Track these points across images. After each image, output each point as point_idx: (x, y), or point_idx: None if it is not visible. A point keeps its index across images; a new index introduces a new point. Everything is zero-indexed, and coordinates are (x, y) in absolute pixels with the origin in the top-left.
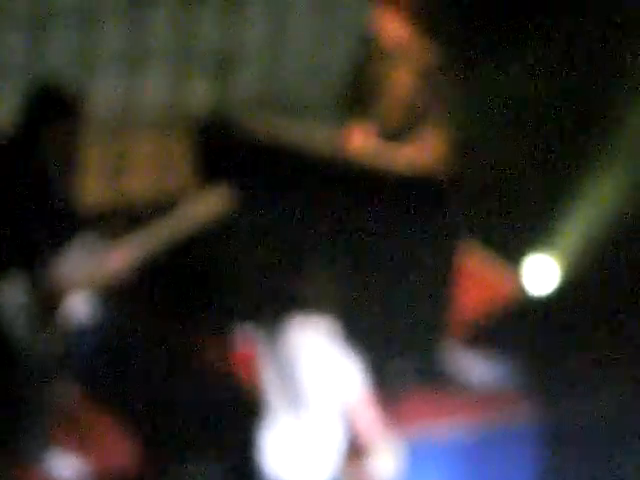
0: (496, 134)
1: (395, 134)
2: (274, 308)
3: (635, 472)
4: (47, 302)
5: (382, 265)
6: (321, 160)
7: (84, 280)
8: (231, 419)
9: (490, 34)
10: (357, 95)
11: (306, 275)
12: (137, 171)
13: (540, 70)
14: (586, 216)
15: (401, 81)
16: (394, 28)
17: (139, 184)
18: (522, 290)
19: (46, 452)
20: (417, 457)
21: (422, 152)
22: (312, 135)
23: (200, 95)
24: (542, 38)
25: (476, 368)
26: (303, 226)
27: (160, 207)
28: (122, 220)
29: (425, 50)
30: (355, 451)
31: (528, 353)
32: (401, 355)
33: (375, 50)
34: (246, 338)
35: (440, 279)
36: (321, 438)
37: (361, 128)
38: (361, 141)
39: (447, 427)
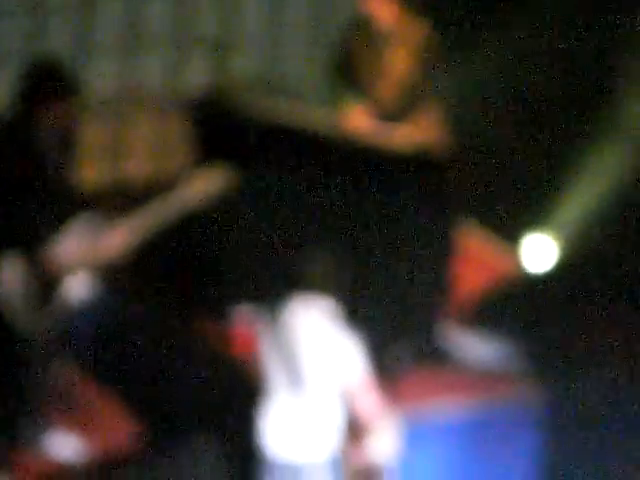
0: (493, 113)
1: (392, 114)
2: (274, 288)
3: (636, 451)
4: (45, 282)
5: (381, 245)
6: (319, 140)
7: (82, 260)
8: (231, 398)
9: (485, 13)
10: (352, 76)
11: (306, 255)
12: (135, 152)
13: (537, 48)
14: (584, 195)
15: (395, 61)
16: (386, 9)
17: (137, 165)
18: (521, 270)
19: (45, 433)
20: (415, 437)
21: (419, 132)
22: (310, 116)
23: (198, 77)
24: (539, 16)
25: (475, 348)
26: (302, 206)
27: (158, 188)
28: (120, 201)
29: (418, 30)
30: (355, 431)
31: (526, 333)
32: (400, 335)
33: (368, 31)
34: (246, 317)
35: (439, 259)
36: (321, 417)
37: (359, 109)
38: (359, 121)
39: (445, 407)
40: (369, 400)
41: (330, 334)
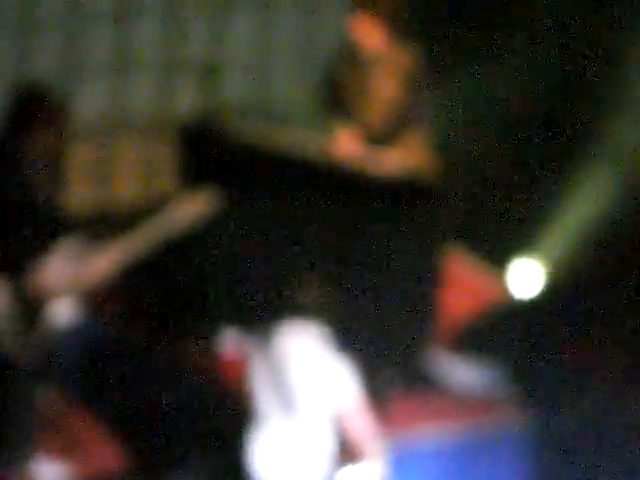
0: (480, 138)
1: (380, 138)
2: (264, 313)
3: (621, 474)
4: (30, 306)
5: (369, 269)
6: (308, 164)
7: (68, 284)
8: (219, 424)
9: (471, 36)
10: (340, 100)
11: (295, 281)
12: (122, 176)
13: (522, 73)
14: (570, 220)
15: (383, 86)
16: (374, 33)
17: (124, 189)
18: (507, 295)
19: (30, 458)
20: (404, 462)
21: (407, 155)
22: (299, 140)
23: (186, 100)
24: (522, 40)
25: (462, 374)
26: (291, 231)
27: (145, 212)
28: (107, 224)
29: (405, 54)
30: (345, 454)
31: (513, 357)
32: (388, 361)
33: (356, 55)
34: (235, 343)
35: (426, 283)
36: (312, 443)
37: (347, 133)
38: (347, 145)
39: (434, 432)
40: (360, 424)
41: (320, 359)
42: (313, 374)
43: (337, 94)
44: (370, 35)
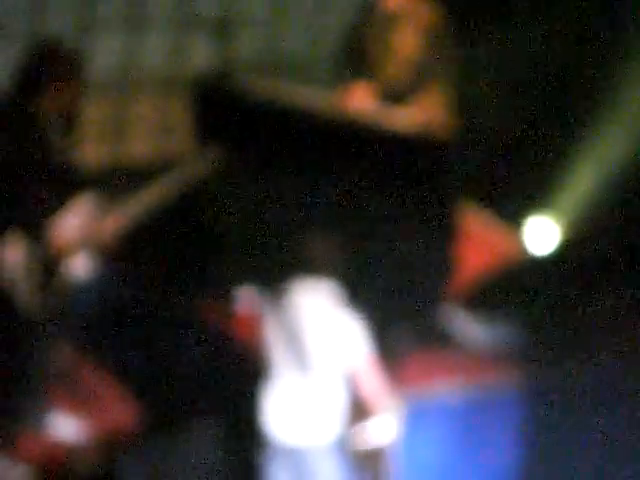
0: (497, 96)
1: (398, 94)
2: (277, 270)
3: (620, 438)
4: (47, 262)
5: (382, 227)
6: (321, 120)
7: (84, 240)
8: (233, 380)
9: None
10: (359, 56)
11: (308, 237)
12: (137, 132)
13: (542, 34)
14: (585, 178)
15: (404, 41)
16: None
17: (139, 145)
18: (522, 252)
19: (46, 414)
20: (414, 416)
21: (424, 113)
22: (312, 96)
23: (200, 57)
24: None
25: (475, 331)
26: (304, 187)
27: (160, 168)
28: (122, 181)
29: (427, 10)
30: (358, 412)
31: (526, 316)
32: (402, 317)
33: (377, 10)
34: (249, 299)
35: (440, 241)
36: (325, 400)
37: (363, 88)
38: (361, 102)
39: (444, 388)
40: (373, 382)
41: (333, 316)
42: (326, 331)
43: (357, 49)
44: None
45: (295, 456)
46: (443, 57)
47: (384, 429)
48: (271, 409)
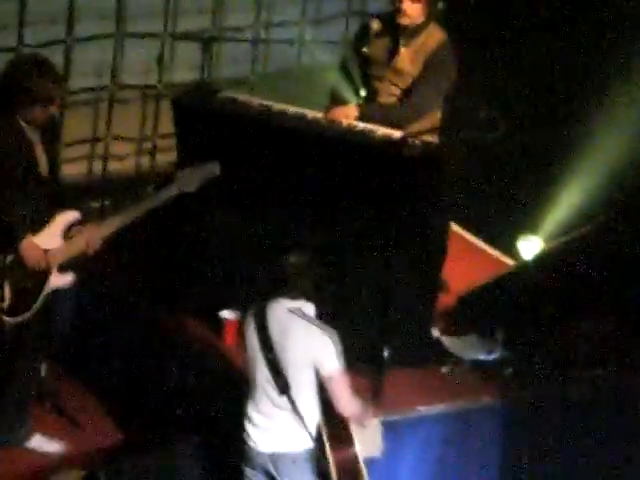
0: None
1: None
2: (255, 287)
3: (605, 454)
4: (27, 274)
5: (370, 244)
6: (304, 136)
7: (65, 253)
8: (215, 394)
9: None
10: (357, 72)
11: (287, 254)
12: (118, 146)
13: (528, 61)
14: (570, 195)
15: (403, 62)
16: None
17: (121, 159)
18: (509, 269)
19: (27, 431)
20: (396, 434)
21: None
22: (296, 112)
23: (185, 69)
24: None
25: (461, 349)
26: (287, 202)
27: (142, 180)
28: (103, 192)
29: (434, 36)
30: (336, 426)
31: (511, 333)
32: (388, 335)
33: (383, 28)
34: (232, 316)
35: (427, 258)
36: (298, 412)
37: (345, 108)
38: (345, 119)
39: (430, 406)
40: (345, 397)
41: (306, 333)
42: (298, 347)
43: (356, 65)
44: (415, 5)
45: (268, 464)
46: (438, 84)
47: (365, 443)
48: (248, 420)
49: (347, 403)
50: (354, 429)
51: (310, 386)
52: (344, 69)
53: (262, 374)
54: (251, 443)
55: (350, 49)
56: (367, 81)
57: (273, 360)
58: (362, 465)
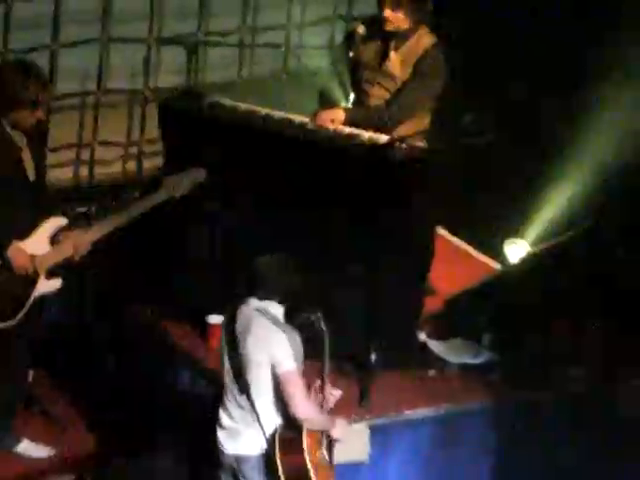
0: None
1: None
2: (232, 290)
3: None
4: (14, 279)
5: (357, 248)
6: (289, 140)
7: (53, 258)
8: (193, 399)
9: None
10: (346, 75)
11: (260, 257)
12: (106, 150)
13: (515, 66)
14: (555, 200)
15: (392, 66)
16: (400, 12)
17: (108, 163)
18: (495, 273)
19: (14, 437)
20: (384, 436)
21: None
22: (282, 117)
23: (172, 70)
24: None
25: (448, 352)
26: (274, 206)
27: (129, 183)
28: (90, 198)
29: (423, 41)
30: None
31: (497, 337)
32: (376, 339)
33: (372, 32)
34: (216, 319)
35: (415, 263)
36: (256, 415)
37: (331, 111)
38: (331, 123)
39: (417, 409)
40: (298, 398)
41: (267, 330)
42: (258, 344)
43: (345, 70)
44: (396, 14)
45: (234, 466)
46: (426, 89)
47: (350, 447)
48: (218, 422)
49: (298, 404)
50: (342, 434)
51: (268, 386)
52: (334, 73)
53: (229, 374)
54: (219, 445)
55: (338, 54)
56: (357, 86)
57: (236, 358)
58: (312, 474)
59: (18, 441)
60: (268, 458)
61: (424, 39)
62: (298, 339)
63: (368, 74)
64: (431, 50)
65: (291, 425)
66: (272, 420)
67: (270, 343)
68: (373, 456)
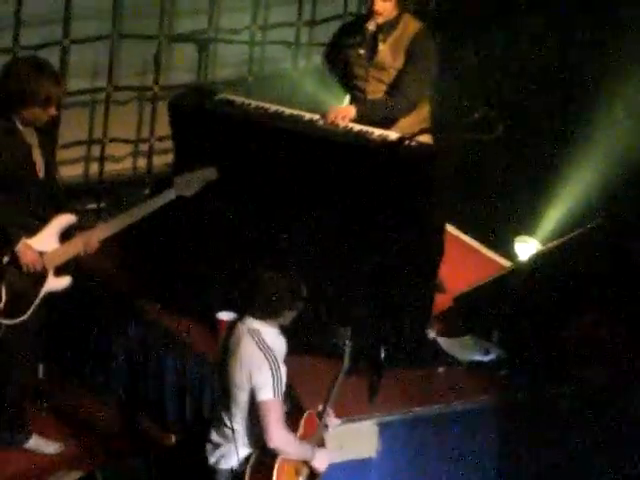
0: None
1: (377, 113)
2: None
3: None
4: (24, 276)
5: (366, 246)
6: (299, 138)
7: (61, 255)
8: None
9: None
10: (342, 69)
11: (257, 273)
12: (115, 148)
13: (526, 61)
14: (564, 199)
15: (386, 56)
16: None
17: (117, 160)
18: (505, 271)
19: (24, 432)
20: (390, 432)
21: (407, 131)
22: (292, 114)
23: (183, 67)
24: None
25: (457, 350)
26: (285, 204)
27: (140, 180)
28: (100, 196)
29: (411, 27)
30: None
31: (507, 334)
32: (385, 336)
33: (362, 24)
34: (227, 316)
35: (425, 260)
36: (235, 433)
37: (340, 109)
38: (341, 121)
39: (426, 407)
40: (273, 429)
41: (252, 356)
42: (242, 368)
43: (341, 62)
44: (385, 3)
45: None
46: (423, 75)
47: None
48: (208, 433)
49: (272, 434)
50: (323, 465)
51: (246, 408)
52: (328, 75)
53: (219, 385)
54: (206, 456)
55: (327, 56)
56: (351, 87)
57: (223, 372)
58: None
59: (28, 436)
60: (237, 478)
61: (411, 25)
62: (280, 369)
63: (360, 71)
64: (420, 33)
65: (268, 450)
66: (250, 440)
67: (252, 369)
68: (382, 453)
